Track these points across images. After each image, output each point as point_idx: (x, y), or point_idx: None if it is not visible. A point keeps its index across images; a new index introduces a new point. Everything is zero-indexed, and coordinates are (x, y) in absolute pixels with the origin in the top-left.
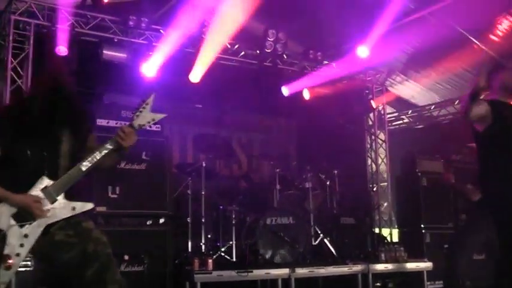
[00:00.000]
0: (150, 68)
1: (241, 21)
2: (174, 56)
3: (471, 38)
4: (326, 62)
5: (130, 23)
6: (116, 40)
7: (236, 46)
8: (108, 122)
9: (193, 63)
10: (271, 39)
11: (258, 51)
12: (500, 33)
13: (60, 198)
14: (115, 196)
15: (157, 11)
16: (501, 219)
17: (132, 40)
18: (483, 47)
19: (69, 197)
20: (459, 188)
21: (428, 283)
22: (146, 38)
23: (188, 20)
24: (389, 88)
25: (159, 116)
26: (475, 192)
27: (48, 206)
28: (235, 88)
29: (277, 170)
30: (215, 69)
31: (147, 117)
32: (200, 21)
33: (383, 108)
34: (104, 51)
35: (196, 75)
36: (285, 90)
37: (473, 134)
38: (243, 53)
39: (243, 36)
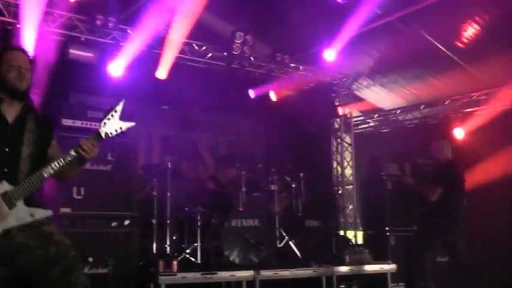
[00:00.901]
0: (117, 68)
1: (209, 22)
2: (141, 56)
3: (437, 44)
4: (293, 65)
5: (98, 22)
6: (82, 39)
7: (204, 48)
8: (74, 122)
9: (160, 63)
10: (239, 42)
11: (225, 53)
12: (465, 40)
13: (20, 204)
14: (80, 197)
15: (124, 11)
16: None
17: (99, 39)
18: (449, 54)
19: (29, 202)
20: (418, 189)
21: (392, 285)
22: (113, 37)
23: (155, 21)
24: (356, 92)
25: (127, 125)
26: (433, 193)
27: (6, 211)
28: (203, 90)
29: (243, 172)
30: (183, 71)
31: (115, 126)
32: (168, 21)
33: (349, 112)
34: (71, 50)
35: (163, 76)
36: (252, 93)
37: None
38: (210, 54)
39: (211, 38)
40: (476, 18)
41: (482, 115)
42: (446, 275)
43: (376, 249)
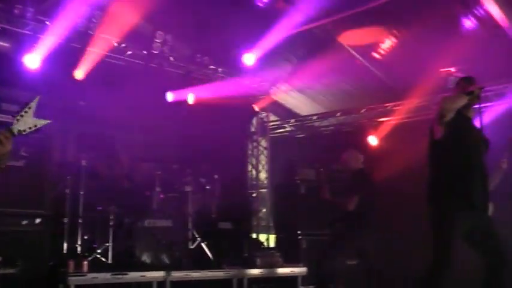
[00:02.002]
0: (34, 60)
1: (130, 20)
2: (59, 49)
3: (355, 53)
4: (212, 67)
5: (15, 11)
6: None
7: (123, 45)
8: None
9: (79, 58)
10: (159, 41)
11: (145, 52)
12: (382, 52)
13: None
14: None
15: (44, 2)
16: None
17: (16, 29)
18: (366, 63)
19: None
20: (334, 202)
21: (302, 287)
22: (31, 28)
23: (76, 14)
24: (274, 96)
25: (42, 122)
26: (350, 203)
27: None
28: (121, 87)
29: (158, 173)
30: (101, 67)
31: (28, 123)
32: (88, 16)
33: (266, 116)
34: None
35: (81, 71)
36: (170, 96)
37: (430, 141)
38: (129, 52)
39: (131, 36)
40: (394, 30)
41: (397, 125)
42: (355, 277)
43: (287, 253)
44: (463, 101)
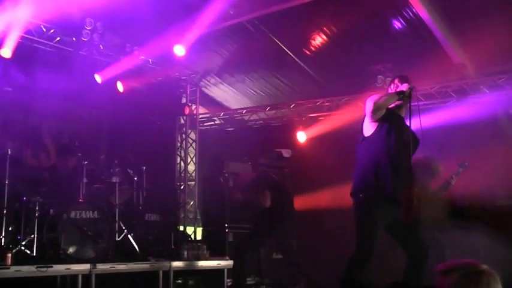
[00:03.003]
0: None
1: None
2: None
3: (285, 49)
4: (142, 57)
5: None
6: None
7: (52, 30)
8: None
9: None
10: (89, 28)
11: (74, 39)
12: (313, 49)
13: None
14: None
15: None
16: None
17: None
18: (296, 59)
19: None
20: (250, 200)
21: (228, 280)
22: None
23: None
24: (204, 89)
25: None
26: (264, 199)
27: None
28: (48, 74)
29: (85, 163)
30: (28, 52)
31: None
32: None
33: (195, 108)
34: None
35: (6, 53)
36: (98, 78)
37: (360, 137)
38: (58, 38)
39: (60, 22)
40: (324, 28)
41: (325, 121)
42: (280, 270)
43: (214, 246)
44: (393, 100)
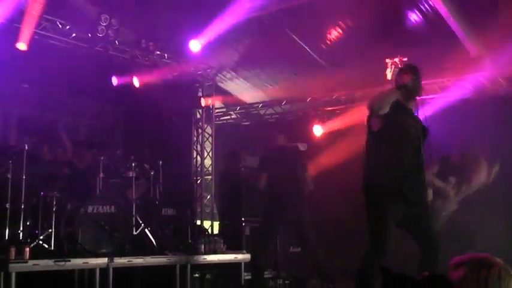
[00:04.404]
0: None
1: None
2: (0, 29)
3: (301, 43)
4: (158, 52)
5: None
6: None
7: (67, 27)
8: None
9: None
10: (104, 24)
11: (89, 35)
12: (328, 43)
13: None
14: None
15: None
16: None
17: None
18: (312, 54)
19: None
20: (249, 179)
21: (245, 274)
22: None
23: None
24: (219, 84)
25: None
26: (259, 180)
27: None
28: (65, 70)
29: (102, 158)
30: (44, 49)
31: None
32: None
33: (211, 103)
34: None
35: (22, 46)
36: (114, 80)
37: (367, 133)
38: (74, 34)
39: (76, 18)
40: (340, 22)
41: (342, 118)
42: (298, 264)
43: (231, 239)
44: (394, 95)
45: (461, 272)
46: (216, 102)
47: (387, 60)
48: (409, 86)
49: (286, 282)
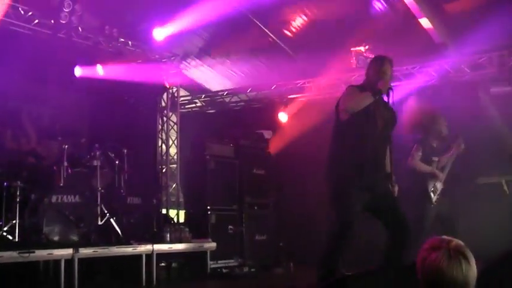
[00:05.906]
0: None
1: None
2: None
3: (267, 31)
4: (122, 39)
5: None
6: None
7: (30, 13)
8: None
9: None
10: (67, 10)
11: (52, 21)
12: (293, 30)
13: None
14: None
15: None
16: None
17: None
18: (277, 41)
19: None
20: None
21: (211, 262)
22: None
23: None
24: (184, 71)
25: None
26: None
27: None
28: (27, 57)
29: (66, 147)
30: (7, 35)
31: None
32: None
33: (176, 91)
34: None
35: None
36: (78, 71)
37: (335, 121)
38: (36, 21)
39: (39, 4)
40: (305, 9)
41: (302, 101)
42: (264, 252)
43: (197, 228)
44: (369, 100)
45: (421, 255)
46: (181, 90)
47: (352, 49)
48: (384, 91)
49: (252, 270)
